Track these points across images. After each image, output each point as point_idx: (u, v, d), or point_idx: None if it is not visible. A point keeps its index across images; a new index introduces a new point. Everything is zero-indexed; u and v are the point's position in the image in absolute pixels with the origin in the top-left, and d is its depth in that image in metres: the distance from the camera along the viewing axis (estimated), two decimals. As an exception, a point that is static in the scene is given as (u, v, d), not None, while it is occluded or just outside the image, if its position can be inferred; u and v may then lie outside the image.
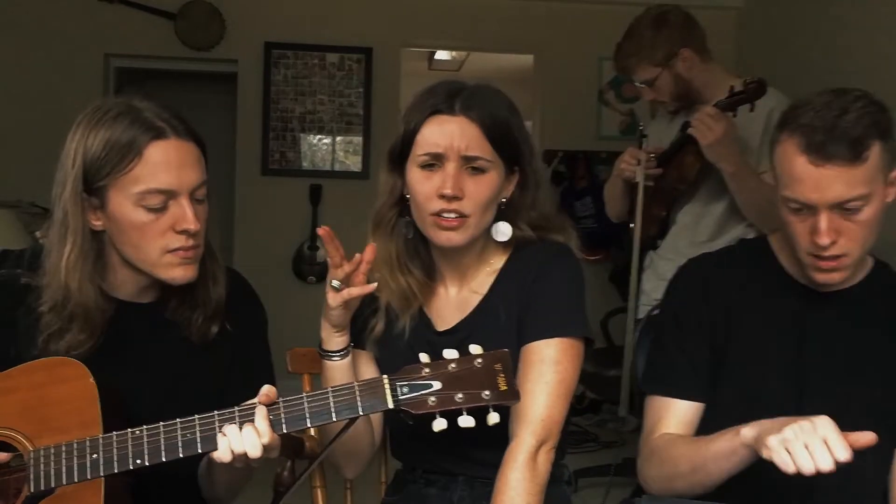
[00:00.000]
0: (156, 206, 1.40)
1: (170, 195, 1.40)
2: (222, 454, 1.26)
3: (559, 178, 5.52)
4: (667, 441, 1.54)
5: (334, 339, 1.49)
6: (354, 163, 5.54)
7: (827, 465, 1.22)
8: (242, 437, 1.25)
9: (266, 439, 1.25)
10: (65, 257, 1.41)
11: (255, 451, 1.25)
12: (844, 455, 1.22)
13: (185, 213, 1.41)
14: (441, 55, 7.40)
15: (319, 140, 5.54)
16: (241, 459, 1.26)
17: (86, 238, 1.42)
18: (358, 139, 5.52)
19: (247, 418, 1.27)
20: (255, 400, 1.29)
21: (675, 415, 1.56)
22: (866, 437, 1.24)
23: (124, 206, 1.40)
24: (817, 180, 1.42)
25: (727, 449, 1.38)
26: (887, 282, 1.58)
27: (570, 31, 5.51)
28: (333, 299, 1.43)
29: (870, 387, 1.50)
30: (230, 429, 1.26)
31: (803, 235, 1.47)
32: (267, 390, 1.28)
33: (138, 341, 1.50)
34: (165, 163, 1.39)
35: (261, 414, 1.27)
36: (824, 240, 1.43)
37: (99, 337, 1.44)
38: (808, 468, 1.23)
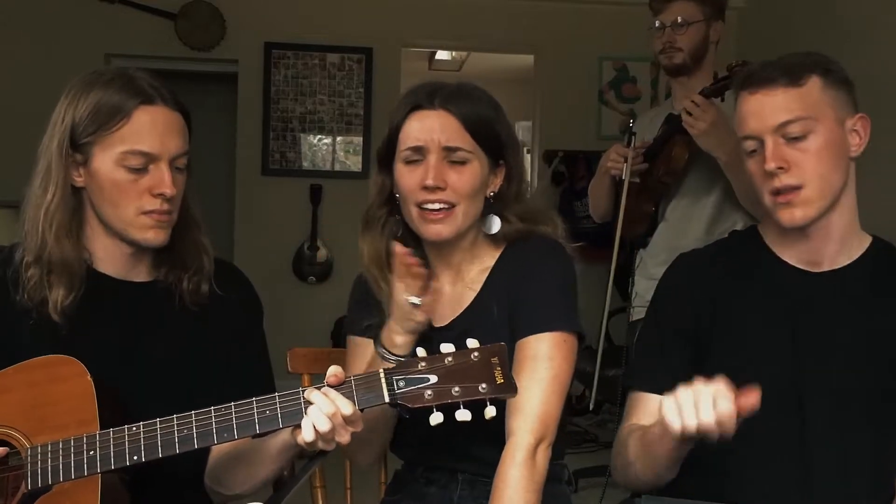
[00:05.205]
0: (136, 167, 1.44)
1: (151, 158, 1.44)
2: (316, 421, 1.25)
3: (559, 178, 5.52)
4: (627, 431, 1.54)
5: (409, 346, 1.49)
6: (355, 163, 5.54)
7: (707, 417, 1.24)
8: (334, 400, 1.25)
9: (349, 410, 1.25)
10: (44, 206, 1.45)
11: (347, 408, 1.25)
12: (725, 405, 1.23)
13: (164, 178, 1.44)
14: (441, 55, 7.41)
15: (320, 140, 5.54)
16: (335, 420, 1.25)
17: (66, 191, 1.46)
18: (358, 139, 5.52)
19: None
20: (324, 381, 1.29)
21: (645, 408, 1.54)
22: (754, 396, 1.24)
23: (106, 163, 1.44)
24: (757, 108, 1.46)
25: (659, 430, 1.37)
26: (885, 258, 1.55)
27: (570, 31, 5.52)
28: (421, 315, 1.45)
29: (870, 369, 1.47)
30: (314, 395, 1.26)
31: (760, 176, 1.47)
32: (335, 370, 1.29)
33: (136, 318, 1.52)
34: (151, 127, 1.44)
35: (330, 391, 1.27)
36: (771, 164, 1.43)
37: (79, 291, 1.46)
38: (690, 421, 1.25)
